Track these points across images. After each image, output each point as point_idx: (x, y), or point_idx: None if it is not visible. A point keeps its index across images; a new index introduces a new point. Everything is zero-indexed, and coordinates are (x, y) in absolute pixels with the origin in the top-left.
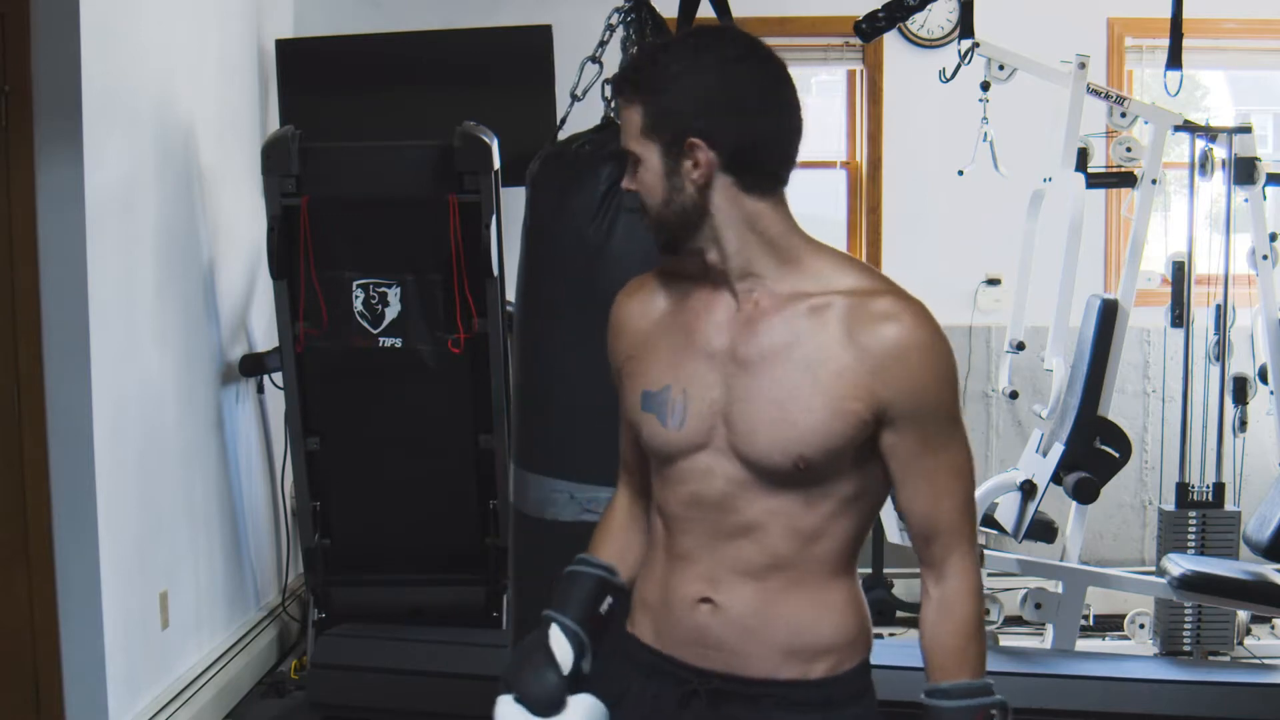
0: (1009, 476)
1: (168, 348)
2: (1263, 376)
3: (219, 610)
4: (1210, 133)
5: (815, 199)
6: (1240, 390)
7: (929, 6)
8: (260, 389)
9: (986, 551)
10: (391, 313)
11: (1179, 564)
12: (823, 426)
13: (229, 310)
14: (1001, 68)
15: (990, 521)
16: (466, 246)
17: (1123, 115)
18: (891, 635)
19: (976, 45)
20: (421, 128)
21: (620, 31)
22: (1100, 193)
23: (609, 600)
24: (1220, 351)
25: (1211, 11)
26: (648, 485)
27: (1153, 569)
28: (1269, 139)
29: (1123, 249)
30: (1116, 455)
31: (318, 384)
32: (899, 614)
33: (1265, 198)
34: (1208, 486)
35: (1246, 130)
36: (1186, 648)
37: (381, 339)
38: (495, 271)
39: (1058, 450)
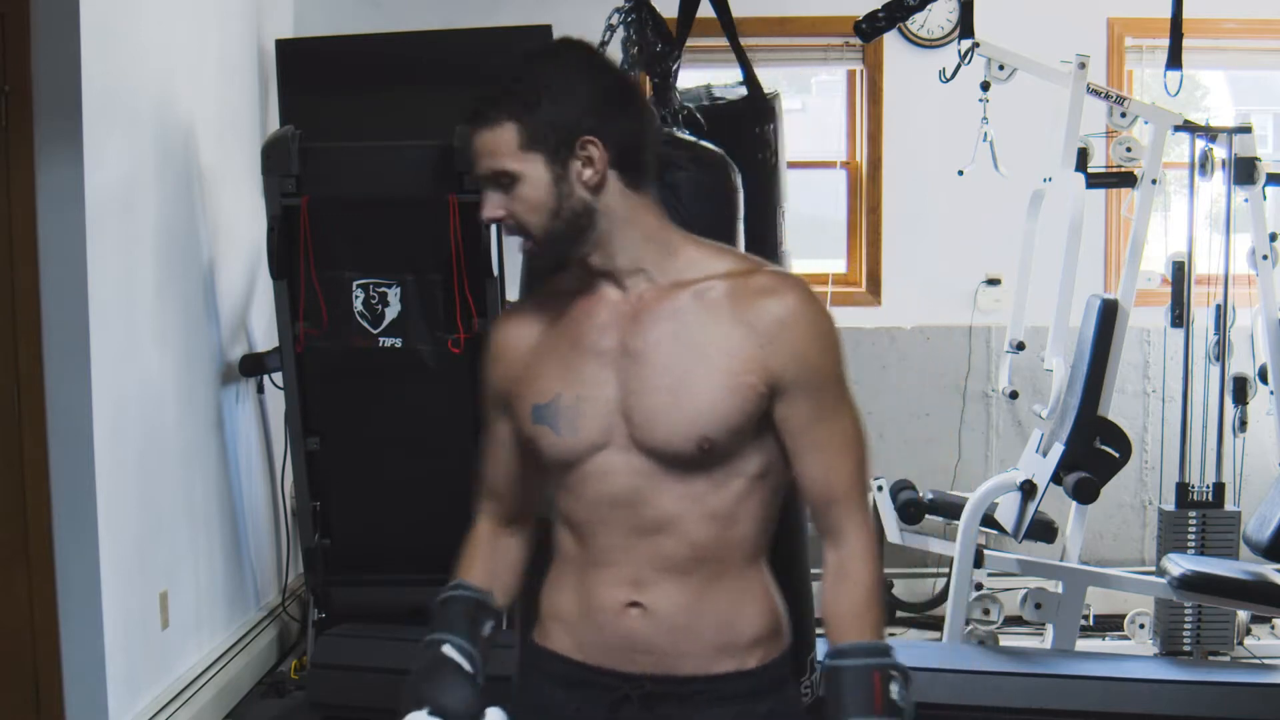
0: (1009, 476)
1: (168, 348)
2: (1263, 376)
3: (219, 610)
4: (1210, 133)
5: (815, 199)
6: (1240, 390)
7: (929, 6)
8: (260, 389)
9: (986, 552)
10: (391, 313)
11: (1179, 564)
12: (721, 405)
13: (229, 310)
14: (1001, 68)
15: (990, 521)
16: (466, 246)
17: (1123, 115)
18: (892, 635)
19: (976, 45)
20: (421, 128)
21: (621, 32)
22: (1100, 193)
23: (489, 624)
24: (1220, 351)
25: (1211, 11)
26: (517, 510)
27: (1153, 569)
28: (1269, 139)
29: (1123, 249)
30: (1116, 455)
31: (318, 384)
32: (899, 614)
33: (1265, 198)
34: (1208, 486)
35: (1246, 130)
36: (1186, 648)
37: (381, 339)
38: (495, 271)
39: (1058, 450)
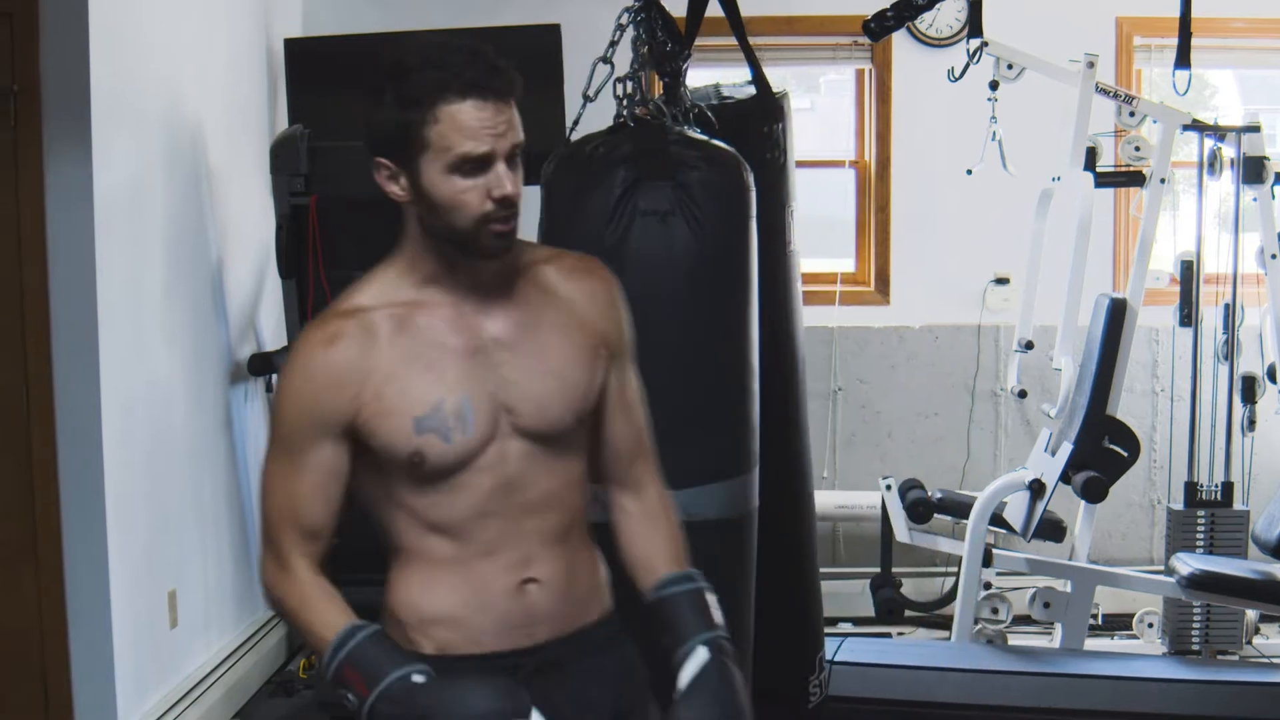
0: (1017, 476)
1: (176, 347)
2: (1271, 375)
3: (227, 609)
4: (1219, 132)
5: (824, 198)
6: (1249, 389)
7: (937, 6)
8: (269, 388)
9: (995, 551)
10: None
11: (1187, 563)
12: (585, 377)
13: (237, 309)
14: (1010, 67)
15: (999, 520)
16: None
17: (1131, 114)
18: (900, 634)
19: (985, 44)
20: None
21: (630, 31)
22: (1109, 192)
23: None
24: (1229, 350)
25: (1220, 11)
26: (325, 550)
27: (1161, 568)
28: (1278, 138)
29: (1131, 248)
30: (1125, 454)
31: None
32: (908, 613)
33: (1274, 196)
34: (1216, 486)
35: (1255, 129)
36: (1195, 647)
37: None
38: None
39: (1066, 449)
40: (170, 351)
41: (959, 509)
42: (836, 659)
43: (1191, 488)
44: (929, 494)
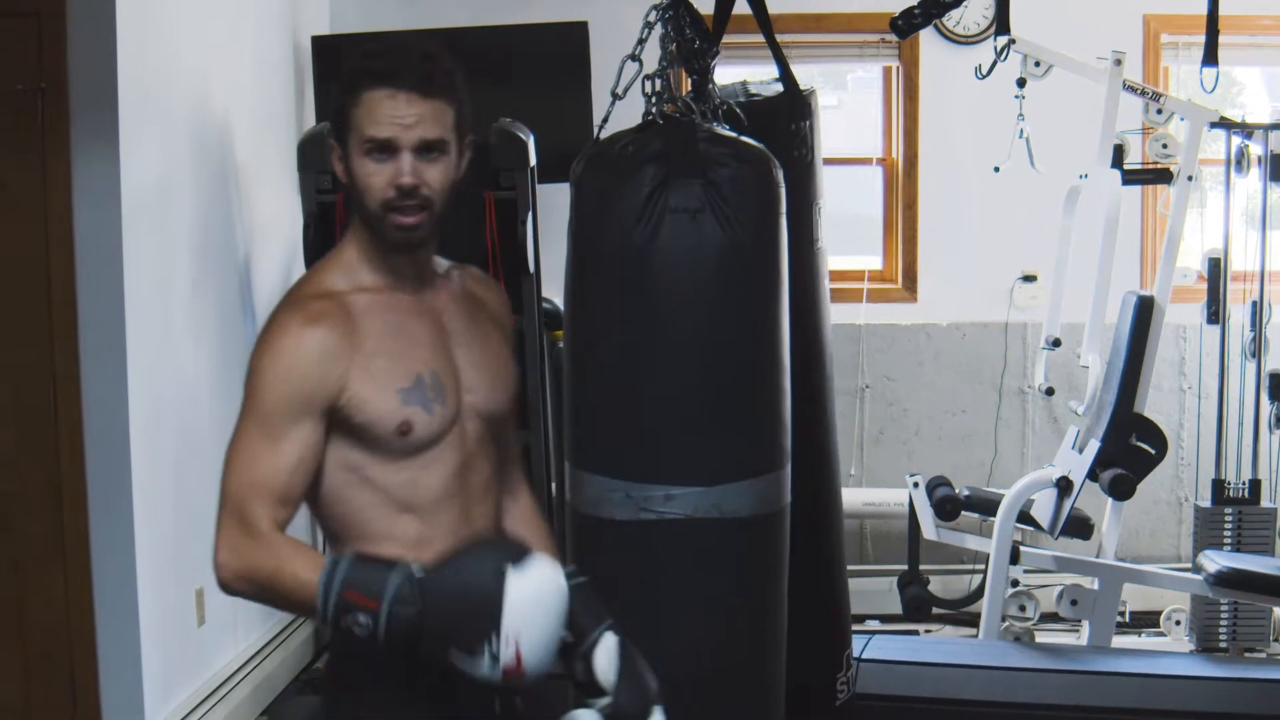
0: (1045, 473)
1: (203, 344)
2: None
3: (255, 607)
4: (1246, 129)
5: (851, 195)
6: (1276, 386)
7: (965, 3)
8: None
9: (1022, 548)
10: None
11: (1215, 560)
12: (513, 369)
13: (265, 307)
14: (1038, 64)
15: (1026, 518)
16: (502, 243)
17: (1159, 112)
18: (928, 632)
19: (1013, 42)
20: None
21: (659, 28)
22: (1136, 189)
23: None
24: (1256, 348)
25: (1248, 8)
26: (288, 522)
27: (1189, 565)
28: None
29: (1159, 245)
30: (1152, 452)
31: None
32: (935, 610)
33: None
34: (1243, 483)
35: None
36: (1222, 644)
37: None
38: (532, 268)
39: (1094, 447)
40: (198, 349)
41: (986, 506)
42: (864, 656)
43: (1219, 485)
44: (956, 491)
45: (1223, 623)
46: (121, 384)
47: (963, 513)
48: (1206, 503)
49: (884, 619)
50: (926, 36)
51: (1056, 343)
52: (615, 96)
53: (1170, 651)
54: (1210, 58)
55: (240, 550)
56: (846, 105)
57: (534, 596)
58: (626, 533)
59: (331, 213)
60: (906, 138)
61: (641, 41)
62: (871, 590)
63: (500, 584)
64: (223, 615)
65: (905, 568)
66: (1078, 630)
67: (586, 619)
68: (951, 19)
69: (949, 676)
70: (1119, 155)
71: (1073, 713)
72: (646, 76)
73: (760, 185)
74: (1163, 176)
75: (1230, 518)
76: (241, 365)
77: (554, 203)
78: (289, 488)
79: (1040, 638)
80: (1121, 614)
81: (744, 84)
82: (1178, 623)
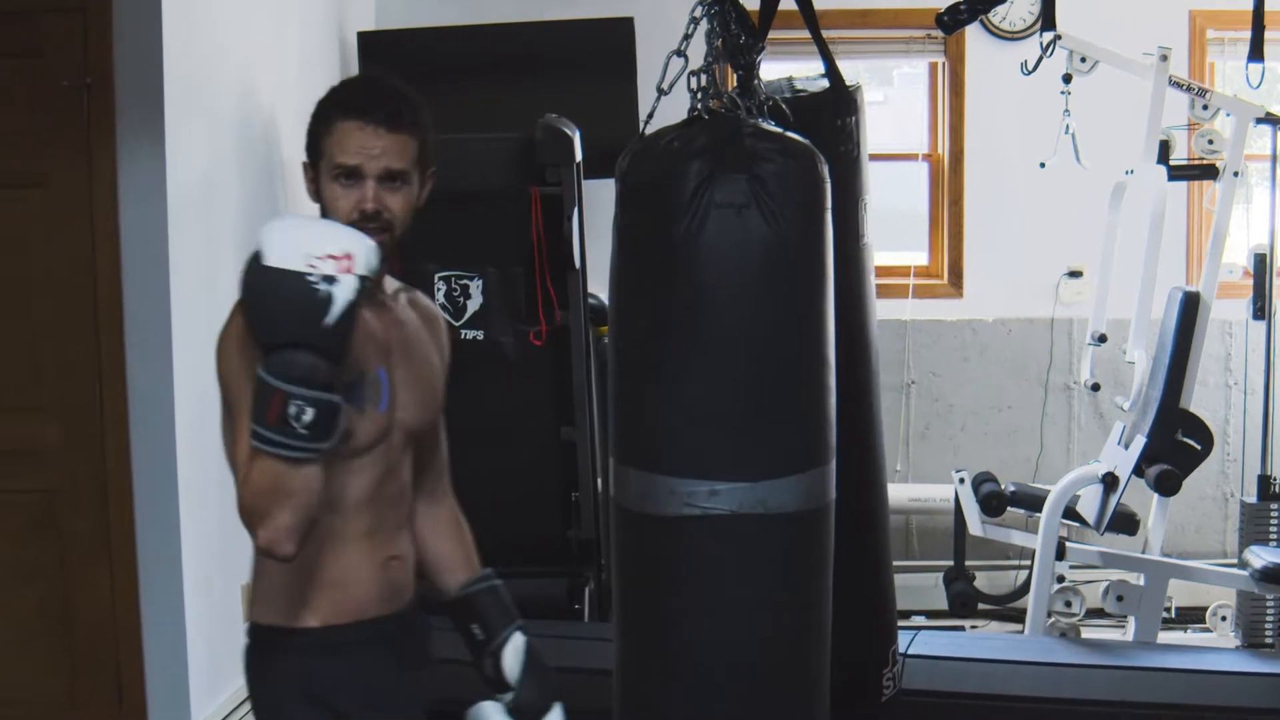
0: (1091, 469)
1: None
2: None
3: None
4: None
5: (897, 191)
6: None
7: None
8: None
9: (1068, 544)
10: (473, 305)
11: (1261, 556)
12: (441, 388)
13: None
14: (1083, 60)
15: (1072, 514)
16: (548, 239)
17: (1204, 108)
18: (974, 627)
19: (1058, 38)
20: (503, 120)
21: (704, 24)
22: (1182, 185)
23: None
24: None
25: None
26: None
27: (1234, 561)
28: None
29: (1204, 241)
30: (1198, 448)
31: None
32: (981, 606)
33: None
34: None
35: None
36: (1268, 640)
37: (463, 331)
38: (577, 264)
39: (1140, 443)
40: None
41: (1032, 502)
42: (910, 652)
43: (1265, 481)
44: (1002, 487)
45: (1268, 618)
46: (167, 380)
47: (1008, 508)
48: (1252, 498)
49: (930, 615)
50: (972, 32)
51: (1102, 338)
52: (660, 92)
53: (1216, 647)
54: (1256, 53)
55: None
56: (892, 101)
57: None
58: (670, 528)
59: None
60: (952, 133)
61: (687, 37)
62: (917, 586)
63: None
64: None
65: (951, 563)
66: (1123, 626)
67: (497, 619)
68: (997, 15)
69: (994, 672)
70: (1165, 151)
71: (1118, 708)
72: (692, 72)
73: (806, 180)
74: (1208, 172)
75: (1276, 513)
76: None
77: (600, 199)
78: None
79: (1086, 633)
80: (1167, 610)
81: (790, 80)
82: (1223, 618)
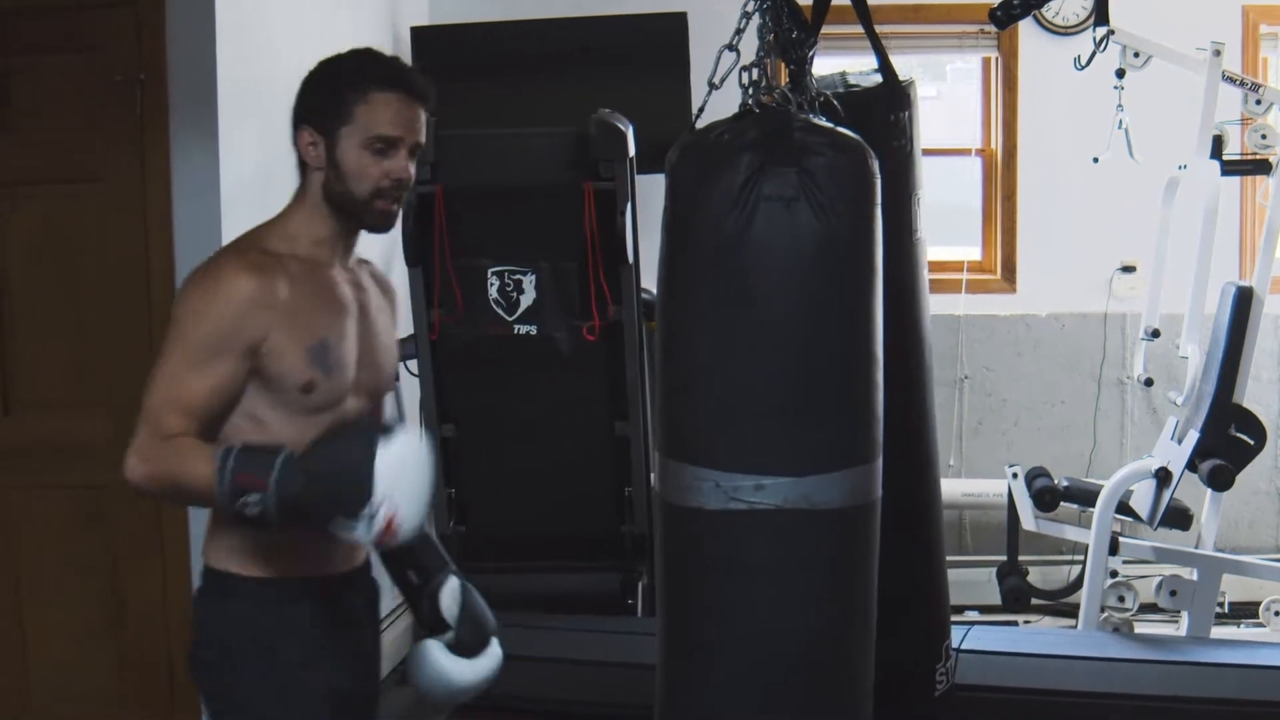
0: (1144, 464)
1: None
2: None
3: None
4: None
5: (950, 186)
6: None
7: None
8: (395, 375)
9: (1121, 539)
10: (526, 300)
11: None
12: (397, 353)
13: None
14: (1136, 55)
15: (1125, 509)
16: (601, 233)
17: (1258, 103)
18: (1027, 622)
19: (1112, 33)
20: (556, 115)
21: (757, 19)
22: (1235, 180)
23: None
24: None
25: None
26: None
27: None
28: None
29: (1258, 236)
30: (1252, 442)
31: (452, 371)
32: (1034, 601)
33: None
34: None
35: None
36: None
37: (516, 326)
38: (631, 259)
39: (1193, 437)
40: None
41: (1085, 497)
42: (963, 647)
43: None
44: (1055, 482)
45: None
46: None
47: (1061, 503)
48: None
49: (983, 610)
50: (1025, 27)
51: (1155, 333)
52: (712, 86)
53: (1270, 642)
54: None
55: (150, 454)
56: (945, 96)
57: (400, 462)
58: (715, 522)
59: (430, 203)
60: (1005, 128)
61: (739, 31)
62: (970, 581)
63: (371, 455)
64: None
65: (1004, 558)
66: (1177, 621)
67: (432, 564)
68: (1050, 10)
69: (1048, 667)
70: (1218, 146)
71: (1171, 703)
72: (744, 67)
73: (855, 175)
74: (1262, 167)
75: None
76: None
77: (652, 194)
78: (206, 407)
79: (1139, 629)
80: (1220, 605)
81: (843, 74)
82: (1277, 613)
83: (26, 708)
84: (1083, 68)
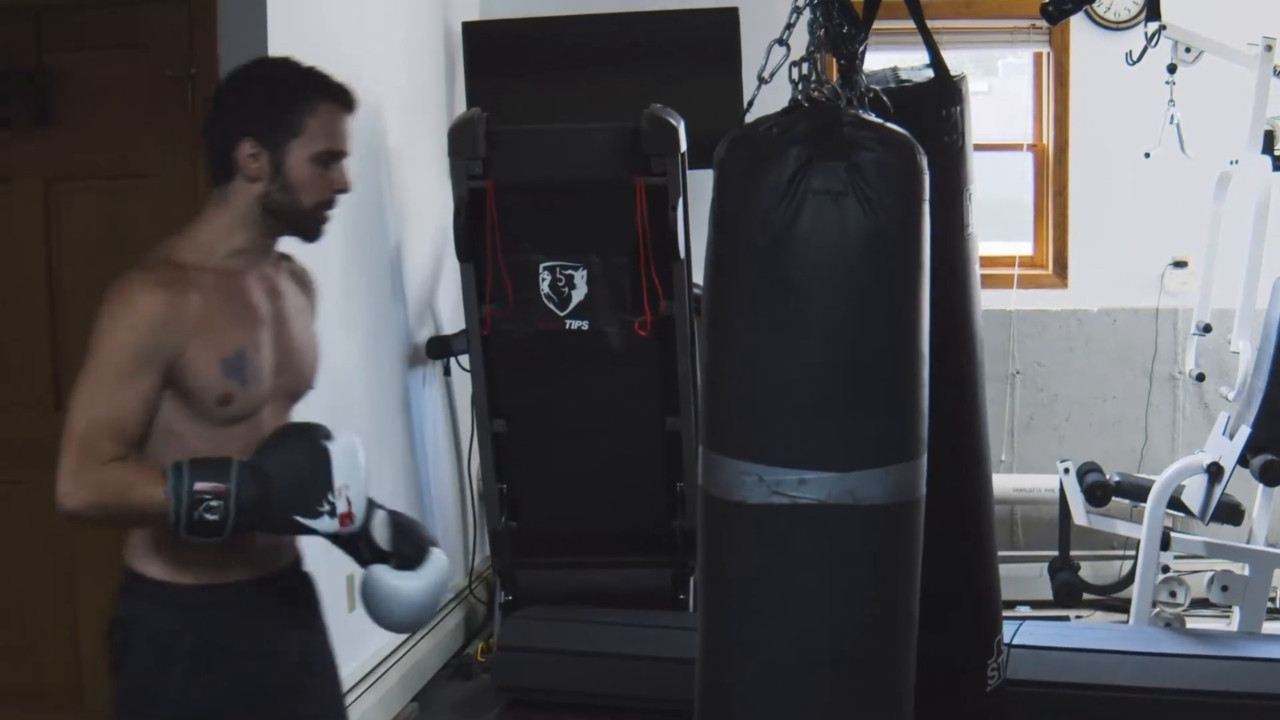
0: (1195, 459)
1: (355, 330)
2: None
3: None
4: None
5: (1002, 181)
6: None
7: None
8: (447, 371)
9: (1173, 534)
10: (578, 295)
11: None
12: (318, 353)
13: (416, 293)
14: (1188, 50)
15: (1177, 504)
16: (653, 229)
17: None
18: (1078, 617)
19: (1163, 28)
20: (608, 110)
21: (807, 14)
22: None
23: None
24: None
25: None
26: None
27: None
28: None
29: None
30: None
31: (504, 366)
32: (1086, 596)
33: None
34: None
35: None
36: None
37: (568, 321)
38: (682, 254)
39: (1244, 433)
40: (349, 335)
41: (1137, 492)
42: (1014, 642)
43: None
44: (1107, 477)
45: None
46: None
47: (1113, 498)
48: None
49: (1035, 605)
50: (1077, 22)
51: (1207, 328)
52: (762, 81)
53: None
54: None
55: (87, 480)
56: (997, 91)
57: (348, 455)
58: (758, 516)
59: (482, 198)
60: (1057, 123)
61: (790, 26)
62: (1022, 576)
63: (325, 450)
64: None
65: (1056, 553)
66: (1228, 616)
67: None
68: (1102, 5)
69: (1099, 662)
70: (1270, 141)
71: (1223, 698)
72: (794, 62)
73: (904, 170)
74: None
75: None
76: (391, 350)
77: (703, 189)
78: (130, 428)
79: (1191, 623)
80: (1272, 600)
81: (895, 69)
82: None
83: (80, 704)
84: (1134, 63)
